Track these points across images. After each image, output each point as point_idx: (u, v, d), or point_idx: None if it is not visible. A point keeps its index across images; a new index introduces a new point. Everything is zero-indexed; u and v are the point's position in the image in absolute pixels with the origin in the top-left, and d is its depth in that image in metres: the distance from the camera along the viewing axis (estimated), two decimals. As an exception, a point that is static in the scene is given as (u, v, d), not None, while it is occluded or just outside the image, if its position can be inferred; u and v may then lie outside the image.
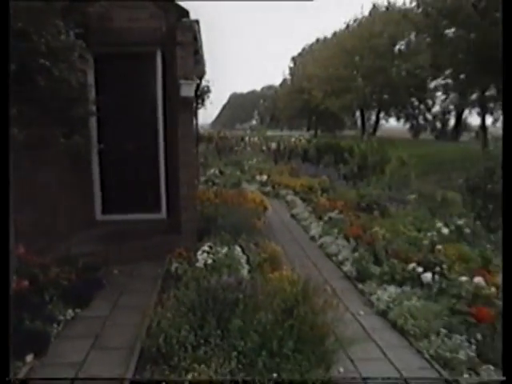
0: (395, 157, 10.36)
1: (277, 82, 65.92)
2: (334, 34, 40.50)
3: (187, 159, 6.03)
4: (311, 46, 50.13)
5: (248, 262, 4.82)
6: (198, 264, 4.40)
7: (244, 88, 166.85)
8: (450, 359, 3.46)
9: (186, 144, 6.01)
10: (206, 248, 4.64)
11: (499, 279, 4.33)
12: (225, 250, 4.60)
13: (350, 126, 47.85)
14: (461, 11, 21.82)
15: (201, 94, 11.17)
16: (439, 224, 5.80)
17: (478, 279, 4.20)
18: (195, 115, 11.02)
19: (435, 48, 24.41)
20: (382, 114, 40.88)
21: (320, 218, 8.11)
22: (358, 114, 41.95)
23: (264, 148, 20.80)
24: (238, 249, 4.94)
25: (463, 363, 3.41)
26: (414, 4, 26.35)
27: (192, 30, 6.00)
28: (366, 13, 35.83)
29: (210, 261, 4.37)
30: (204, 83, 11.11)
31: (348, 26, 37.16)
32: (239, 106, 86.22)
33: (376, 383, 3.21)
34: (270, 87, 75.56)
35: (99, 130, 6.44)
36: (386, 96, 35.59)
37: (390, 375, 3.41)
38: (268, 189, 12.47)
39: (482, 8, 21.48)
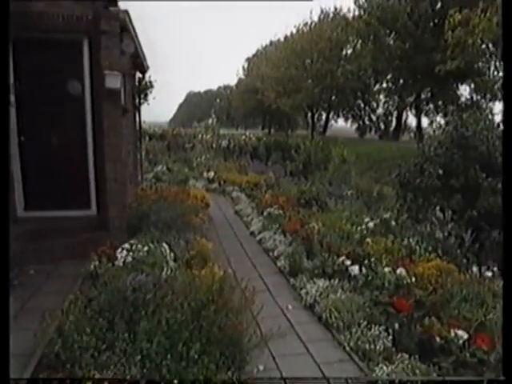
0: (337, 154, 10.52)
1: (232, 82, 65.70)
2: (286, 37, 40.97)
3: (114, 154, 5.73)
4: (265, 47, 50.45)
5: (175, 259, 4.62)
6: (116, 262, 4.14)
7: (201, 87, 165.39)
8: (369, 350, 3.47)
9: (112, 138, 5.69)
10: (126, 246, 4.37)
11: (421, 268, 4.44)
12: (147, 247, 4.34)
13: (302, 126, 48.56)
14: (398, 20, 23.01)
15: (143, 90, 10.81)
16: (367, 219, 5.89)
17: (400, 270, 4.27)
18: (138, 110, 10.61)
19: (375, 54, 25.50)
20: (331, 115, 41.89)
21: (262, 214, 8.06)
22: (310, 114, 42.66)
23: (214, 145, 20.50)
24: (166, 246, 4.71)
25: (380, 353, 3.43)
26: (357, 13, 27.27)
27: (118, 20, 5.69)
28: (315, 18, 36.62)
29: (129, 259, 4.12)
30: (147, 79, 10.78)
31: (298, 30, 37.72)
32: (196, 105, 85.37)
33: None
34: (226, 87, 75.25)
35: (20, 121, 5.94)
36: (334, 97, 36.52)
37: (309, 369, 3.37)
38: (215, 185, 12.27)
39: (416, 18, 22.76)
